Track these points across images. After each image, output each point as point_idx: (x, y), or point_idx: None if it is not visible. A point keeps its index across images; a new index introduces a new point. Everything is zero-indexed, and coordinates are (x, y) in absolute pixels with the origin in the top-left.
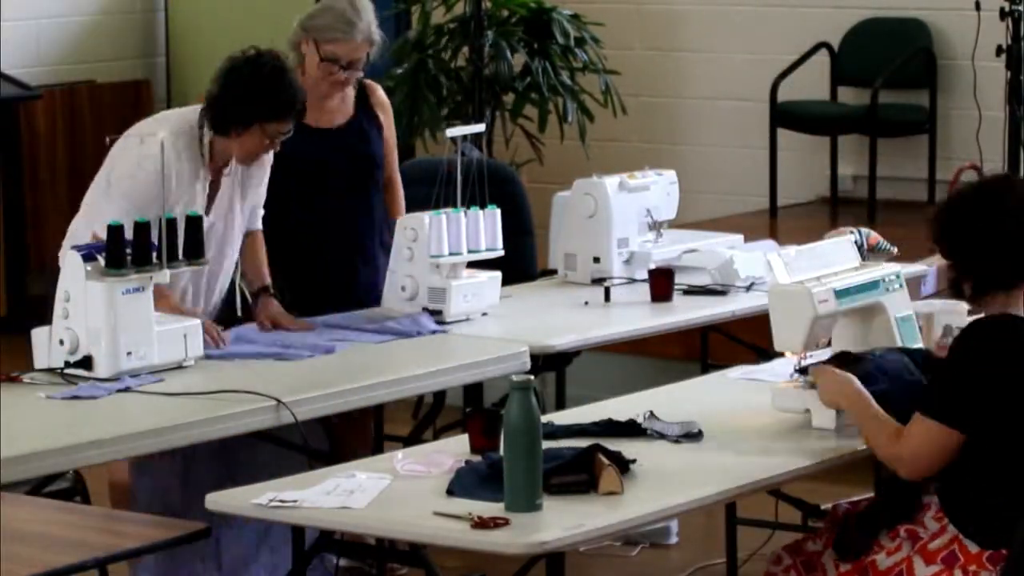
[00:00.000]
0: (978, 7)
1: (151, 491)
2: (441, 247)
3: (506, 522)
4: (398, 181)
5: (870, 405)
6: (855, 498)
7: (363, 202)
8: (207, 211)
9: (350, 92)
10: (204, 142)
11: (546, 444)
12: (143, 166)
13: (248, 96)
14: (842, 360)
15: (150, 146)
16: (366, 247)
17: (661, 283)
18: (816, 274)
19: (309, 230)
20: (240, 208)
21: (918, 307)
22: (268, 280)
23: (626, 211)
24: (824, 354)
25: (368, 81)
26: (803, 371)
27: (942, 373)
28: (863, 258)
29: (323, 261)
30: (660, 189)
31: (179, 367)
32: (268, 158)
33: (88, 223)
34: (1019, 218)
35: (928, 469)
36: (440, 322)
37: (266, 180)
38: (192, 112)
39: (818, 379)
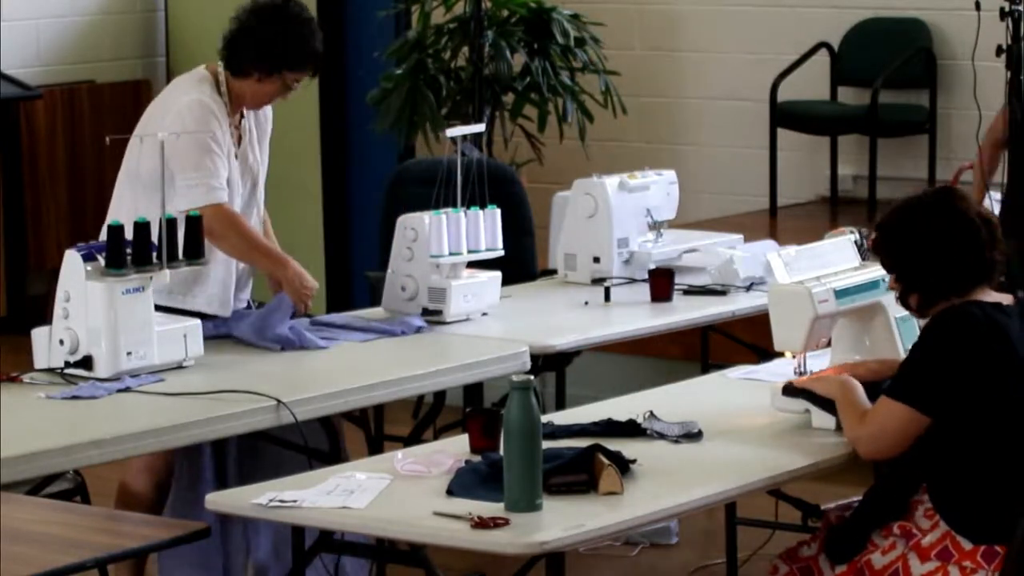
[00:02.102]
0: (978, 7)
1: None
2: (441, 247)
3: (506, 522)
4: None
5: (851, 392)
6: (849, 499)
7: None
8: (236, 155)
9: None
10: (223, 90)
11: (546, 444)
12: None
13: (275, 43)
14: None
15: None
16: None
17: (661, 283)
18: (816, 274)
19: None
20: (258, 158)
21: None
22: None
23: (626, 211)
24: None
25: None
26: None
27: (911, 357)
28: (863, 258)
29: None
30: (660, 189)
31: (179, 367)
32: (268, 113)
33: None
34: (957, 231)
35: (888, 450)
36: (440, 322)
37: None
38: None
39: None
